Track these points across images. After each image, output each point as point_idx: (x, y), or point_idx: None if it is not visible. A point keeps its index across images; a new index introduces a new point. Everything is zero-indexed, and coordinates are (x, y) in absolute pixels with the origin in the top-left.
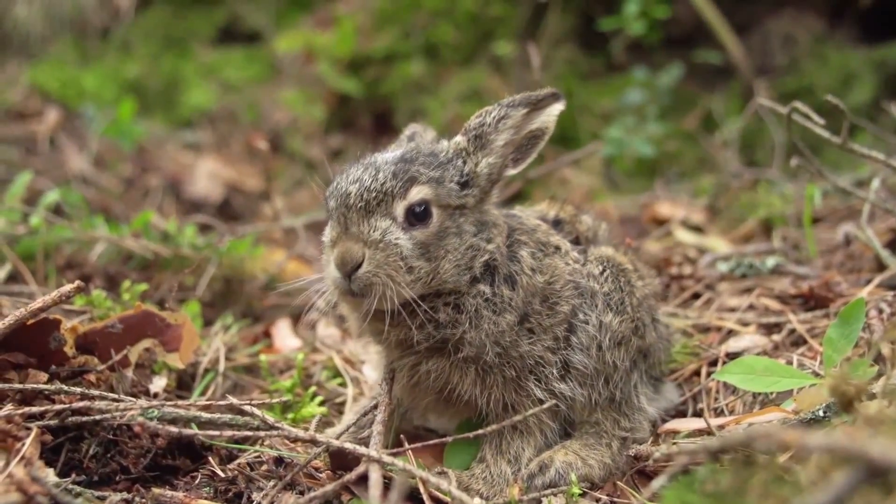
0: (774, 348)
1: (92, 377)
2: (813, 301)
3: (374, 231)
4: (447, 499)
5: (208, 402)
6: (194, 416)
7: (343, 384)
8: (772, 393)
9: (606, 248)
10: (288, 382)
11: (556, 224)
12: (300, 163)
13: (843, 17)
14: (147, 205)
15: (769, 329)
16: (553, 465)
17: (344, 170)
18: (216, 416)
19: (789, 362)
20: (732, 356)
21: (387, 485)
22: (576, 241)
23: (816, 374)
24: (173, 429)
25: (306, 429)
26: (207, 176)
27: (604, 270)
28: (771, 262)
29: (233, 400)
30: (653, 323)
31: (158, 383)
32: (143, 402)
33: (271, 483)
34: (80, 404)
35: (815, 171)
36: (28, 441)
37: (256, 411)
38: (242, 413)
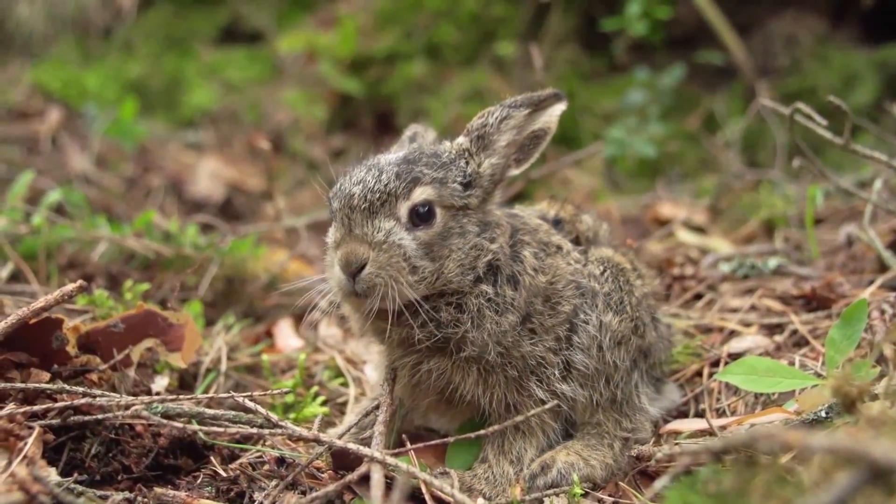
0: (776, 349)
1: (94, 376)
2: (815, 302)
3: (377, 232)
4: (449, 499)
5: (210, 396)
6: (198, 413)
7: (345, 384)
8: (774, 394)
9: (606, 248)
10: (290, 382)
11: (557, 223)
12: (302, 163)
13: (845, 18)
14: (149, 204)
15: (771, 330)
16: (555, 466)
17: (347, 171)
18: (220, 412)
19: (791, 363)
20: (734, 357)
21: (389, 485)
22: (576, 241)
23: (818, 375)
24: (177, 424)
25: (309, 428)
26: (209, 176)
27: (604, 271)
28: (773, 262)
29: (234, 394)
30: (653, 322)
31: (160, 383)
32: (144, 398)
33: (273, 483)
34: (82, 401)
35: (818, 171)
36: (30, 440)
37: (260, 408)
38: (246, 410)
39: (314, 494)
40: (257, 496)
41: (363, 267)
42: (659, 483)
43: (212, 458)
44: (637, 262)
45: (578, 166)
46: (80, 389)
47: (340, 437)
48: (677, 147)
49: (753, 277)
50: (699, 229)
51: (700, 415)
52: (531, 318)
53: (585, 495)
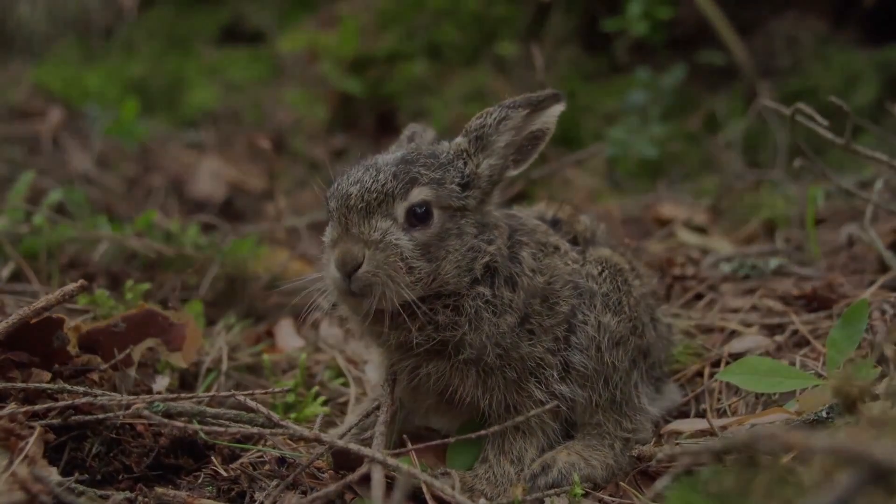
0: (777, 349)
1: (95, 376)
2: (816, 302)
3: (374, 231)
4: (450, 499)
5: (212, 395)
6: (199, 412)
7: (346, 384)
8: (774, 394)
9: (604, 248)
10: (291, 382)
11: (554, 224)
12: (303, 163)
13: (846, 19)
14: (150, 204)
15: (772, 330)
16: (556, 466)
17: (345, 171)
18: (221, 411)
19: (792, 363)
20: (735, 357)
21: (389, 485)
22: (573, 241)
23: (819, 375)
24: (178, 423)
25: (310, 428)
26: (210, 175)
27: (602, 271)
28: (774, 263)
29: (235, 393)
30: (652, 322)
31: (161, 382)
32: (145, 397)
33: (274, 483)
34: (83, 401)
35: (819, 172)
36: (31, 440)
37: (262, 408)
38: (247, 410)
39: (315, 494)
40: (258, 496)
41: (359, 266)
42: (660, 483)
43: (213, 457)
44: (635, 261)
45: (579, 167)
46: (81, 389)
47: (341, 437)
48: (678, 147)
49: (754, 278)
50: (700, 229)
51: (701, 415)
52: (529, 319)
53: (586, 495)
